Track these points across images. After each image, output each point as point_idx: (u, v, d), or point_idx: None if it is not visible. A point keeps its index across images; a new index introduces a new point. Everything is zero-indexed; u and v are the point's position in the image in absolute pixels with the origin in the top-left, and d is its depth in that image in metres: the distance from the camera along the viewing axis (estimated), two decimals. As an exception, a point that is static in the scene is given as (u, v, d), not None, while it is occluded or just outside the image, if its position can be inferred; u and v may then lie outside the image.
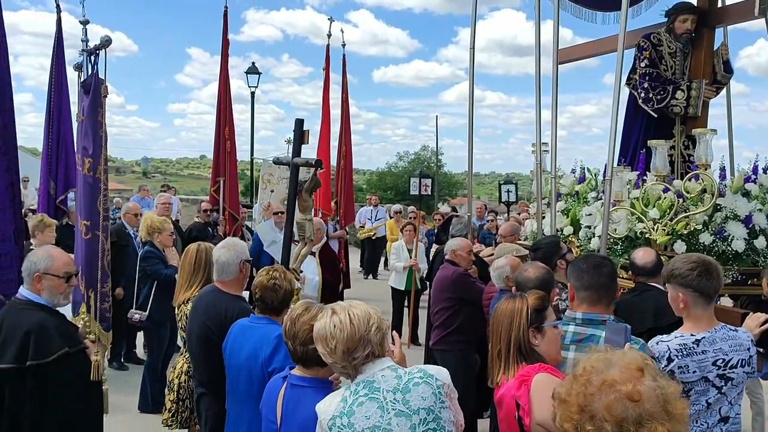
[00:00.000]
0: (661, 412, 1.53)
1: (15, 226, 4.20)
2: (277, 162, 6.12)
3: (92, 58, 4.20)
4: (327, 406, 2.63)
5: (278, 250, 7.24)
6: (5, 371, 3.56)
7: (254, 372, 3.63)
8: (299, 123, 5.35)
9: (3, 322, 3.69)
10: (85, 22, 4.30)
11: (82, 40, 4.25)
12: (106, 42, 4.07)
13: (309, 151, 5.50)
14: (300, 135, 5.30)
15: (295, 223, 5.33)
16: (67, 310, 4.17)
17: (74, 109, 7.42)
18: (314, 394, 2.85)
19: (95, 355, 3.89)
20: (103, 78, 4.13)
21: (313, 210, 5.73)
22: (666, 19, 6.85)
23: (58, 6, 7.97)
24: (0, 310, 3.92)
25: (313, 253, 6.77)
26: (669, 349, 3.21)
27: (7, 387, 3.58)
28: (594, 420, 1.58)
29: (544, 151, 6.95)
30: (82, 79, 4.31)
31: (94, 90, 4.06)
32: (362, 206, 18.49)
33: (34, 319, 3.62)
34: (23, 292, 3.78)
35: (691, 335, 3.25)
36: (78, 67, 4.41)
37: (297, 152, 5.30)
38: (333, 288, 7.33)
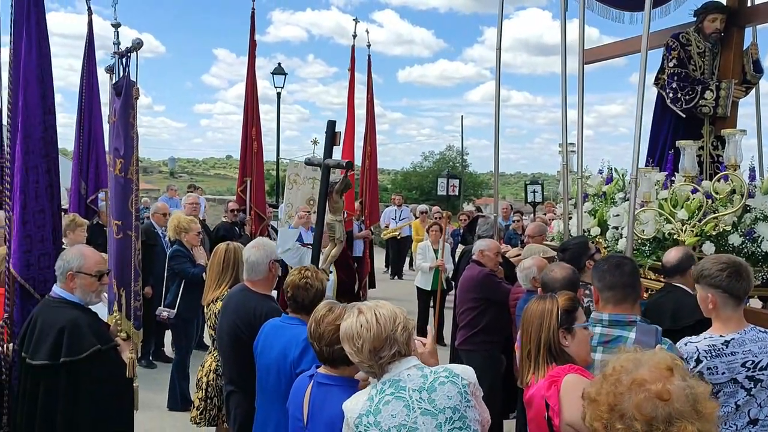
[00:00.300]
0: (690, 411, 1.54)
1: (53, 227, 4.27)
2: (309, 163, 6.17)
3: (124, 60, 4.26)
4: (354, 405, 2.66)
5: (291, 256, 7.32)
6: (39, 368, 3.64)
7: (283, 372, 3.66)
8: (331, 125, 5.38)
9: (37, 319, 3.77)
10: (116, 25, 4.35)
11: (113, 43, 4.29)
12: (137, 45, 4.12)
13: (334, 152, 5.54)
14: (332, 136, 5.34)
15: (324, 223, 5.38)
16: (101, 309, 4.24)
17: (105, 110, 7.53)
18: (340, 393, 2.88)
19: (129, 352, 3.95)
20: (134, 80, 4.19)
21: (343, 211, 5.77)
22: (695, 19, 6.80)
23: (89, 8, 8.09)
24: (35, 307, 4.01)
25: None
26: (698, 350, 3.21)
27: (41, 383, 3.65)
28: (624, 419, 1.59)
29: (571, 151, 6.92)
30: (113, 81, 4.38)
31: (125, 92, 4.12)
32: (387, 206, 18.49)
33: (67, 317, 3.69)
34: (56, 290, 3.85)
35: (720, 336, 3.24)
36: (109, 69, 4.47)
37: (329, 154, 5.33)
38: (348, 287, 7.35)
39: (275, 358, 3.72)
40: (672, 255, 4.66)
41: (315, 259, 5.24)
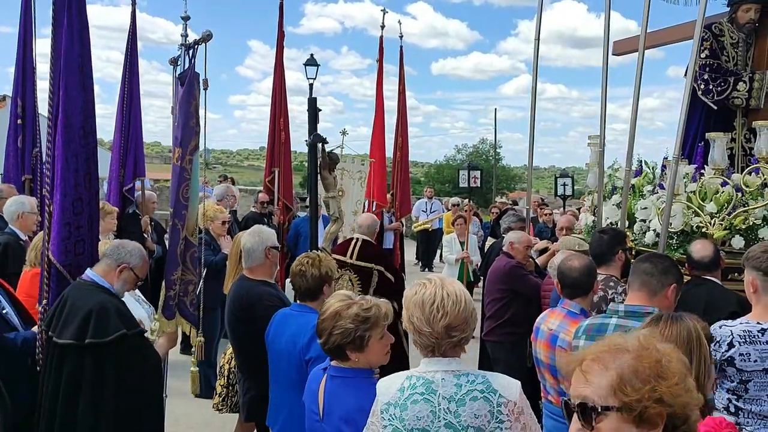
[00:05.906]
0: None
1: (90, 215, 4.30)
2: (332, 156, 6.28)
3: (190, 51, 4.31)
4: (386, 389, 2.55)
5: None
6: (65, 347, 3.68)
7: (293, 359, 3.69)
8: (312, 102, 5.49)
9: (67, 300, 3.82)
10: (186, 18, 4.45)
11: (181, 35, 4.38)
12: (207, 36, 4.18)
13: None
14: (314, 115, 5.42)
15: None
16: (135, 306, 4.34)
17: (146, 101, 7.57)
18: (354, 386, 2.86)
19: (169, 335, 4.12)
20: (199, 72, 4.24)
21: (337, 188, 5.79)
22: (728, 9, 6.68)
23: (133, 1, 8.23)
24: (66, 289, 4.07)
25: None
26: (732, 334, 3.22)
27: (65, 363, 3.70)
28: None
29: (594, 143, 6.84)
30: (177, 73, 4.45)
31: (188, 82, 4.18)
32: (419, 199, 18.47)
33: (97, 300, 3.74)
34: (90, 273, 3.91)
35: (758, 323, 3.24)
36: (173, 61, 4.55)
37: (313, 130, 5.42)
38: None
39: (285, 346, 3.75)
40: (703, 251, 4.58)
41: (314, 238, 5.29)
